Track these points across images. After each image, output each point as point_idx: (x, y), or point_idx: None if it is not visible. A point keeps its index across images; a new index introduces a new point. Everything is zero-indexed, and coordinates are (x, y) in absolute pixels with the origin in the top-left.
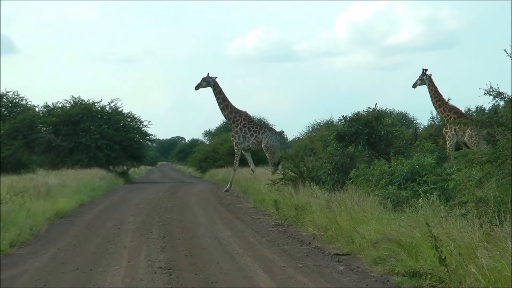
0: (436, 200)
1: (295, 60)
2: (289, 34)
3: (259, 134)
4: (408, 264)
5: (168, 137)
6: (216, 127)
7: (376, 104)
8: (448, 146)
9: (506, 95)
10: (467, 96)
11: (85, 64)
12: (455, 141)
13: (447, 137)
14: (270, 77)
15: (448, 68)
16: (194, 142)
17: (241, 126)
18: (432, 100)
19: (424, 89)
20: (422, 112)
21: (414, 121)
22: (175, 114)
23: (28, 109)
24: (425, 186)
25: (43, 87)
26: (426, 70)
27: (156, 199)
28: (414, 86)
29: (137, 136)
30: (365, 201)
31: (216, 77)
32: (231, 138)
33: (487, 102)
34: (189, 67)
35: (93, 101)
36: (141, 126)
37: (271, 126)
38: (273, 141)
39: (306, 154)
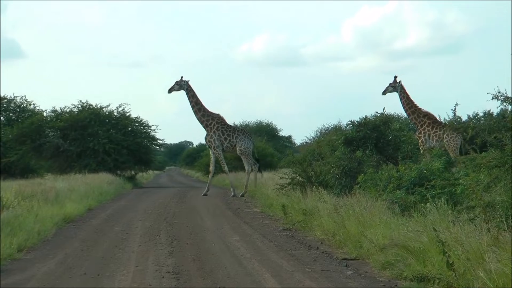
0: (444, 204)
1: (301, 65)
2: (296, 38)
3: (232, 138)
4: (416, 269)
5: (176, 141)
6: None
7: (384, 109)
8: (422, 151)
9: None
10: (475, 101)
11: (92, 69)
12: (427, 146)
13: (419, 142)
14: (277, 82)
15: (455, 72)
16: (202, 147)
17: (215, 130)
18: (404, 107)
19: (432, 93)
20: None
21: None
22: (183, 118)
23: (36, 114)
24: (433, 191)
25: (51, 92)
26: (397, 77)
27: (164, 203)
28: (384, 93)
29: (145, 140)
30: (373, 206)
31: (188, 80)
32: (208, 143)
33: (495, 107)
34: (196, 71)
35: (101, 106)
36: (149, 130)
37: (243, 129)
38: (247, 144)
39: (314, 158)
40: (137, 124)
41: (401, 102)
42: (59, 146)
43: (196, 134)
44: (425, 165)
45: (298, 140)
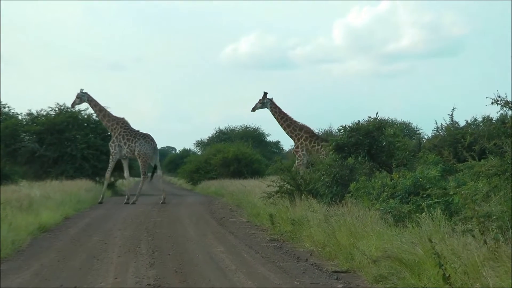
0: (440, 215)
1: (290, 67)
2: (284, 39)
3: (132, 143)
4: (410, 282)
5: (158, 147)
6: (209, 137)
7: (377, 114)
8: (296, 164)
9: None
10: (473, 105)
11: (70, 71)
12: (305, 161)
13: (297, 156)
14: (264, 85)
15: (453, 76)
16: (185, 153)
17: (117, 135)
18: (279, 122)
19: (428, 97)
20: (426, 121)
21: (418, 131)
22: (166, 123)
23: (10, 117)
24: (429, 200)
25: (27, 94)
26: (267, 93)
27: (144, 212)
28: (254, 109)
29: None
30: (365, 216)
31: (87, 92)
32: (109, 147)
33: (494, 112)
34: (180, 74)
35: (79, 109)
36: None
37: (147, 133)
38: (145, 149)
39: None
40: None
41: (275, 117)
42: (35, 151)
43: (179, 140)
44: (420, 173)
45: (286, 146)
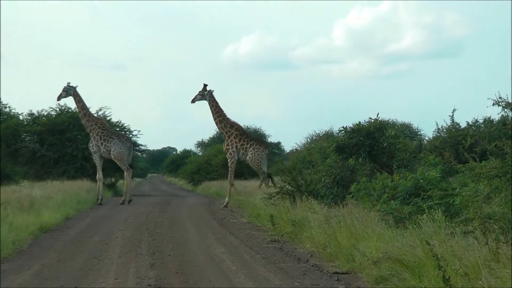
0: (441, 216)
1: (290, 68)
2: (285, 40)
3: (107, 143)
4: (411, 284)
5: (159, 147)
6: (210, 138)
7: (378, 115)
8: (229, 163)
9: None
10: (474, 106)
11: (70, 70)
12: (236, 158)
13: (228, 154)
14: (265, 86)
15: (453, 77)
16: (186, 153)
17: (95, 135)
18: (213, 116)
19: (429, 98)
20: (427, 123)
21: (418, 133)
22: (166, 123)
23: (11, 117)
24: (430, 202)
25: (27, 94)
26: (207, 85)
27: (145, 213)
28: (193, 101)
29: None
30: (366, 217)
31: (77, 86)
32: (89, 147)
33: (495, 113)
34: (181, 74)
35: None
36: (131, 136)
37: (123, 133)
38: (119, 148)
39: (304, 166)
40: (118, 129)
41: (211, 111)
42: (36, 151)
43: (180, 140)
44: (421, 174)
45: (287, 147)
